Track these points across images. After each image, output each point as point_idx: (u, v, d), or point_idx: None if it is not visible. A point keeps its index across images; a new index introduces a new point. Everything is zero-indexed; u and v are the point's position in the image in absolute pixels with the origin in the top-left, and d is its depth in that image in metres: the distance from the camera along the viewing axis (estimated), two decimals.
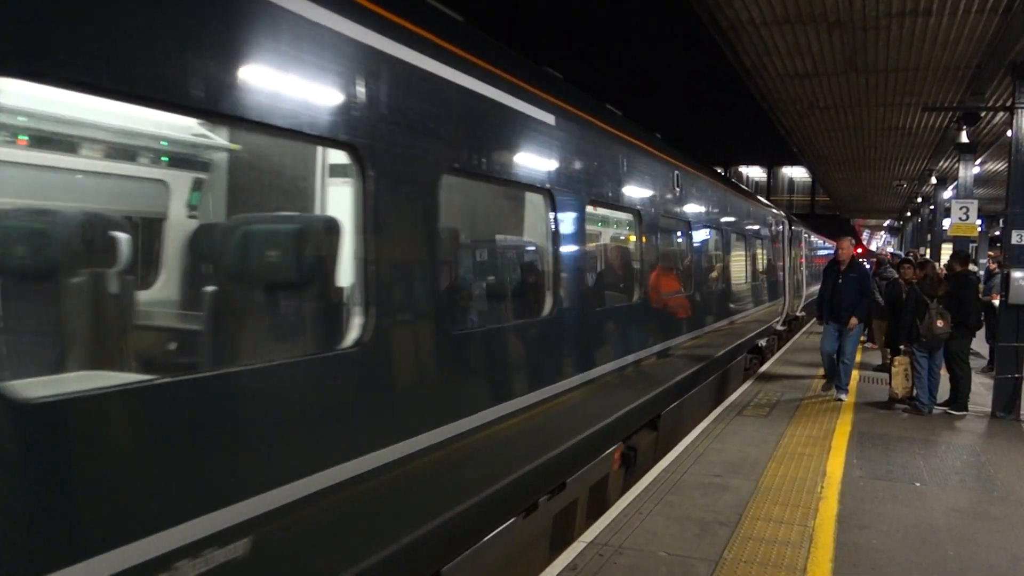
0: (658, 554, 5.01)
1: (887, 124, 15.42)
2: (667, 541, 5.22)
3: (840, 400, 10.10)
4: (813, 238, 27.94)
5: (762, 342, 14.34)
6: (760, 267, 14.59)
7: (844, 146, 18.54)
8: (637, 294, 6.98)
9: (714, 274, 10.56)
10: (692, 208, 9.02)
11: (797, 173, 52.45)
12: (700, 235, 9.54)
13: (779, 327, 17.02)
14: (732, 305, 11.27)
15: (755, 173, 55.21)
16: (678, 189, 8.27)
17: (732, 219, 11.69)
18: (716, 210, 10.55)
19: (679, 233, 8.97)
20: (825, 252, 30.46)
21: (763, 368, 13.33)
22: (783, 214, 18.98)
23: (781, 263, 17.53)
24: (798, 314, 20.32)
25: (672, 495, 6.20)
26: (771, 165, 53.50)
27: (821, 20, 9.15)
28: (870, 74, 11.50)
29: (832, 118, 14.98)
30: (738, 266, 12.18)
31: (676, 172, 8.25)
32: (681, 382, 8.35)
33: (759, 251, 14.58)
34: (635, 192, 6.96)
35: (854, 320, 9.97)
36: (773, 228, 16.50)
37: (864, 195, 31.43)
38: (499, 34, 4.90)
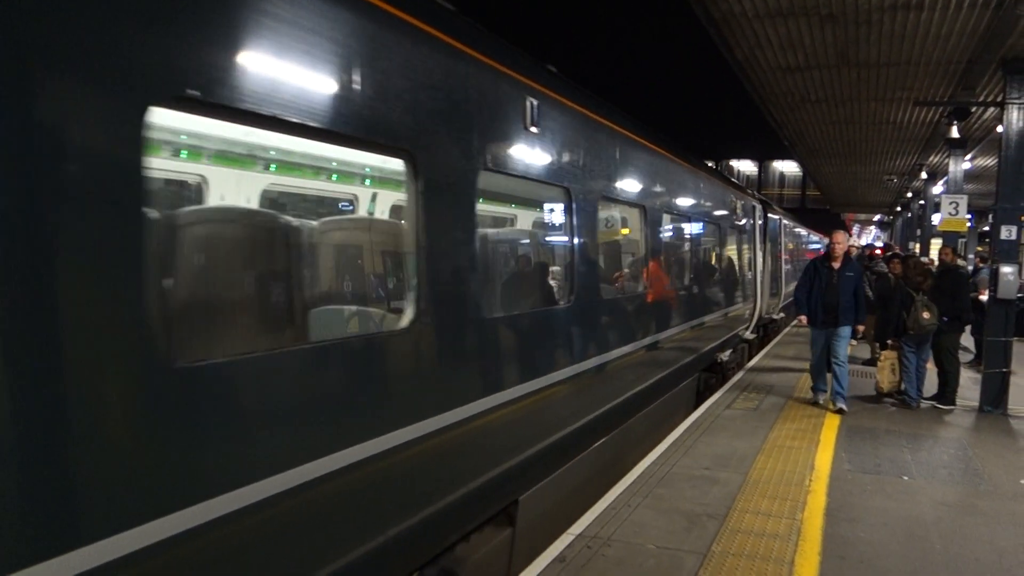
0: (646, 547, 5.01)
1: (878, 118, 15.44)
2: (655, 534, 5.23)
3: (842, 411, 8.93)
4: (798, 229, 26.73)
5: (723, 356, 11.79)
6: (717, 262, 12.03)
7: (835, 140, 18.55)
8: (458, 304, 4.17)
9: (629, 272, 8.15)
10: (583, 172, 5.95)
11: (788, 167, 52.62)
12: (604, 214, 6.83)
13: (748, 335, 14.24)
14: (664, 315, 8.42)
15: (746, 167, 55.37)
16: (552, 133, 5.30)
17: (669, 199, 8.79)
18: (639, 183, 7.60)
19: (560, 207, 6.04)
20: (813, 246, 30.32)
21: (751, 363, 13.33)
22: (755, 197, 16.25)
23: (752, 257, 14.94)
24: (775, 316, 17.81)
25: (660, 488, 6.20)
26: (762, 159, 53.64)
27: (813, 13, 9.13)
28: (862, 68, 11.50)
29: (823, 112, 14.98)
30: (678, 261, 9.75)
31: (533, 102, 4.95)
32: (558, 444, 5.50)
33: (717, 242, 11.98)
34: (480, 135, 4.20)
35: (861, 327, 9.33)
36: (740, 214, 13.50)
37: (854, 189, 31.52)
38: (494, 27, 4.85)
